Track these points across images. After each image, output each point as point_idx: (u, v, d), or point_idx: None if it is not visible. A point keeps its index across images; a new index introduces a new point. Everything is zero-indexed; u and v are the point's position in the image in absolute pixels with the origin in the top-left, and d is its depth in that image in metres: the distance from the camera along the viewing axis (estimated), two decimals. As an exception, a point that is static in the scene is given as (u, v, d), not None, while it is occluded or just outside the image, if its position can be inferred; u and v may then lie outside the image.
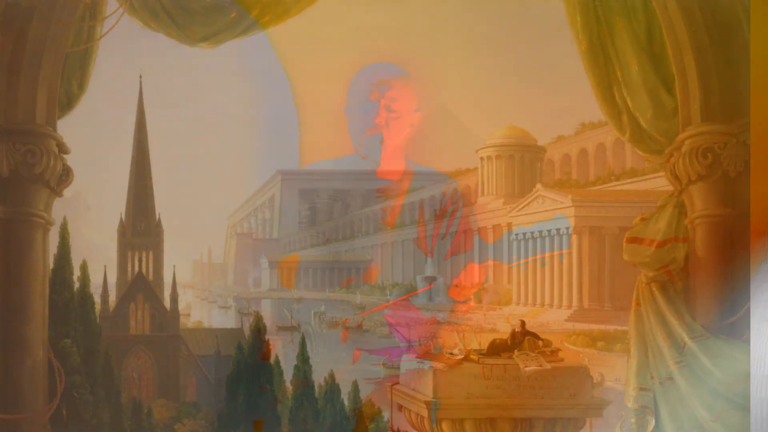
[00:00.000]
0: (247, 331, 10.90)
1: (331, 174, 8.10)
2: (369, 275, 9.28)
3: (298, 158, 9.45)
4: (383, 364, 8.46)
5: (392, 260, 8.70)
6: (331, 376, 9.40)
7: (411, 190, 7.87)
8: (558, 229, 10.02)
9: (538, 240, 10.99)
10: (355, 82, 7.82)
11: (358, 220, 10.67)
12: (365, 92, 7.69)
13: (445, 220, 7.65)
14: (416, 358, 7.89)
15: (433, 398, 9.05)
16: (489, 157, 11.31)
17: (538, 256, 7.45)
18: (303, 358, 10.12)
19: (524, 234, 9.95)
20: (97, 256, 11.51)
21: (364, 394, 8.80)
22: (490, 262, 7.53)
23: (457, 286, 7.42)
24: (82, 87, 10.65)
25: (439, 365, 9.10)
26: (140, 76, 11.01)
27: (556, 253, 7.42)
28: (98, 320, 11.76)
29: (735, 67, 9.86)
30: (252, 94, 10.28)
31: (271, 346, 8.19)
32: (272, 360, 10.47)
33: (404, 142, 7.74)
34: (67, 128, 10.52)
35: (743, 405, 9.71)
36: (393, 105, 7.59)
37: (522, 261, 7.44)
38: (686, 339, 9.93)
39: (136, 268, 12.22)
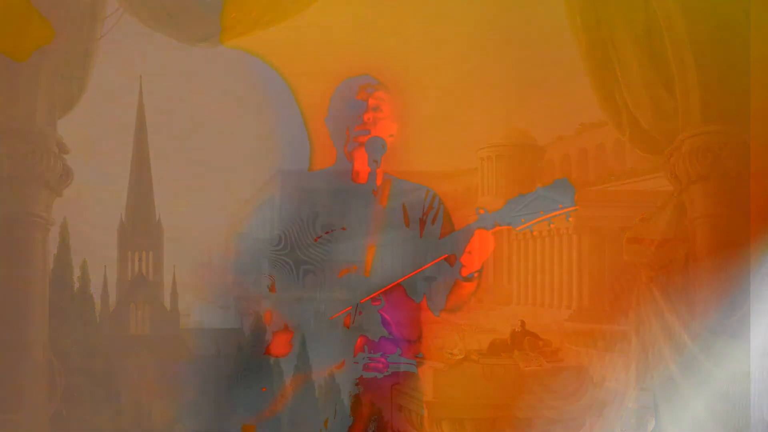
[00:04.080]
0: (247, 332, 10.86)
1: (329, 175, 8.09)
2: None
3: (307, 161, 9.45)
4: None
5: (382, 261, 8.65)
6: (331, 376, 9.36)
7: (392, 196, 7.88)
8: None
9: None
10: (337, 93, 7.82)
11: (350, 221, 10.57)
12: (348, 100, 7.70)
13: (426, 224, 7.66)
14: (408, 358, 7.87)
15: (433, 399, 9.04)
16: (489, 158, 11.29)
17: (545, 216, 7.38)
18: (303, 358, 10.07)
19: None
20: (97, 256, 11.49)
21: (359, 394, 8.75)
22: (500, 228, 7.47)
23: (470, 253, 7.39)
24: (82, 87, 10.63)
25: (438, 365, 9.09)
26: (140, 77, 10.99)
27: (561, 211, 7.35)
28: (98, 320, 11.74)
29: (735, 67, 9.84)
30: (252, 93, 10.28)
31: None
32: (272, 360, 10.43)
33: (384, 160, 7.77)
34: (67, 128, 10.51)
35: (743, 405, 9.70)
36: (381, 105, 7.58)
37: (529, 223, 7.38)
38: (686, 339, 9.92)
39: (136, 268, 12.21)
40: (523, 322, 9.75)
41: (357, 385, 7.81)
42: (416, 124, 8.36)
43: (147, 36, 10.22)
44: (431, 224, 7.81)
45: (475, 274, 7.48)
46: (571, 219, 7.10)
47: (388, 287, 7.53)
